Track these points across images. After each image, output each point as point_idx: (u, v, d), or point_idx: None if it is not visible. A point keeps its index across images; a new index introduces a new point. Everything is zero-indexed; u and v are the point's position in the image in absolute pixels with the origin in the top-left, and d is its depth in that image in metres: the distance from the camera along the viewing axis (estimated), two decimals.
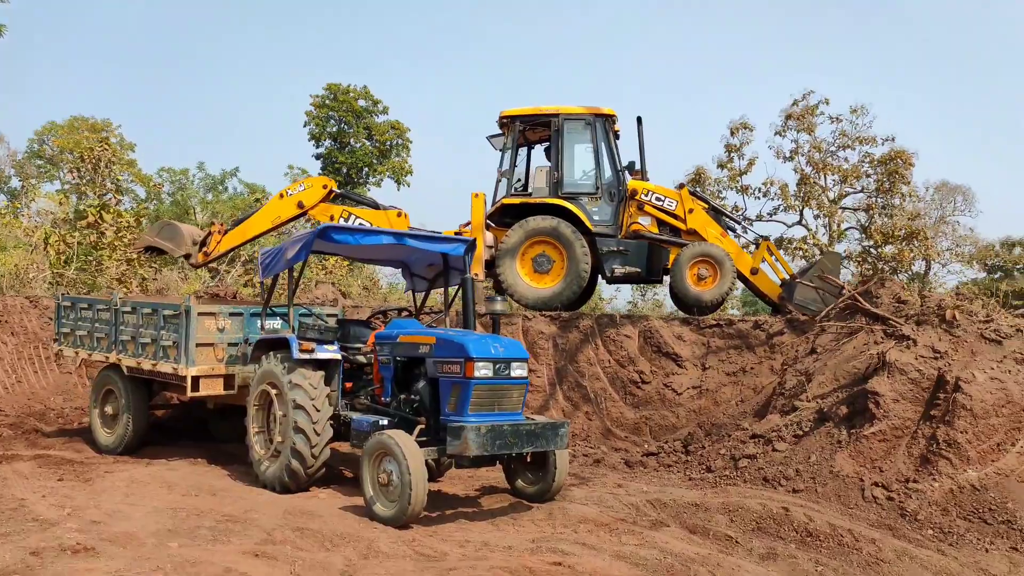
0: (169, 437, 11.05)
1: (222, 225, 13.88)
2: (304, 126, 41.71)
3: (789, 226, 25.52)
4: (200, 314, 9.11)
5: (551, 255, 12.61)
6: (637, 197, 12.79)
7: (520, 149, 13.75)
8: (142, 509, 7.44)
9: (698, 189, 25.17)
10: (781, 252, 15.79)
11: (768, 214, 25.59)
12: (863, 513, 7.01)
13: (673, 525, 6.96)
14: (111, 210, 23.35)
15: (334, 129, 42.52)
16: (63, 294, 11.48)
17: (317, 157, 42.71)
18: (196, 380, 9.08)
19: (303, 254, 8.01)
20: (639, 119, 13.15)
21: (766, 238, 13.17)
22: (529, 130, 13.53)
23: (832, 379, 8.64)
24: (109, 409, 10.19)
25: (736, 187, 25.86)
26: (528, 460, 7.69)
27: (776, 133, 25.87)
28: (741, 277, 12.63)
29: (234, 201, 38.95)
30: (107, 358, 10.09)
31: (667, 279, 13.37)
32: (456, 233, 13.45)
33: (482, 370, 6.92)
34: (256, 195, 37.77)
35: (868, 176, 25.48)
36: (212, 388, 9.24)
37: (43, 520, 6.94)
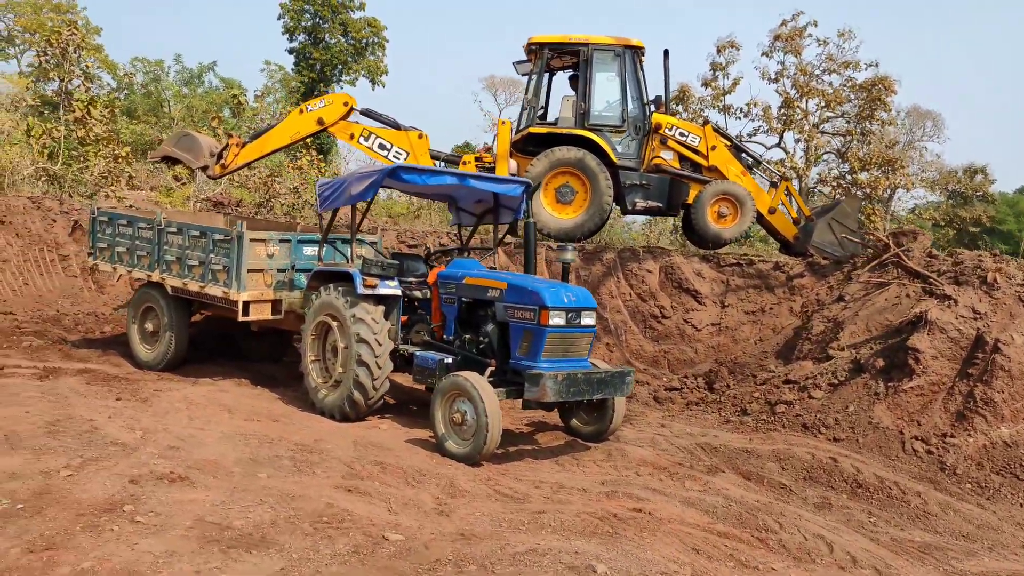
0: (199, 354, 11.19)
1: (240, 138, 13.74)
2: (278, 19, 40.55)
3: (768, 148, 25.78)
4: (251, 240, 9.18)
5: (575, 186, 12.74)
6: (661, 131, 12.91)
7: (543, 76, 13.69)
8: (212, 434, 7.67)
9: (680, 108, 25.22)
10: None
11: (748, 135, 25.80)
12: (904, 465, 7.55)
13: (728, 471, 7.43)
14: (97, 103, 22.70)
15: (309, 23, 41.38)
16: (98, 208, 11.36)
17: (291, 52, 41.64)
18: (247, 305, 9.22)
19: (370, 192, 8.08)
20: (666, 52, 13.15)
21: (786, 178, 13.45)
22: (555, 58, 13.46)
23: (864, 330, 9.10)
24: (149, 326, 10.29)
25: (719, 107, 25.91)
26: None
27: (763, 54, 25.79)
28: (758, 216, 12.93)
29: (210, 96, 37.95)
30: (149, 277, 10.12)
31: (682, 213, 13.65)
32: (476, 158, 13.51)
33: (556, 319, 7.19)
34: (233, 91, 36.78)
35: (849, 101, 25.68)
36: (261, 313, 9.38)
37: (122, 444, 7.13)
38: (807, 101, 25.72)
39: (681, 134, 12.92)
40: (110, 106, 23.80)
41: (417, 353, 8.16)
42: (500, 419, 7.03)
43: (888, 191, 29.64)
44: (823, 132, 26.61)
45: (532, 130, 12.96)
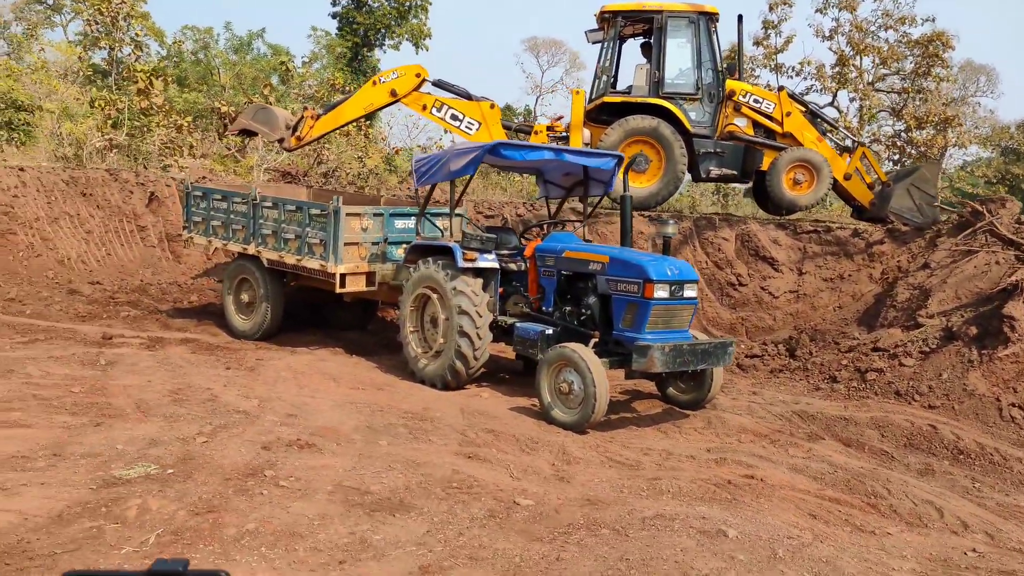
0: (287, 323, 11.50)
1: (314, 110, 13.97)
2: None
3: (821, 107, 25.43)
4: (347, 215, 9.44)
5: (649, 155, 12.81)
6: (735, 98, 12.92)
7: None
8: (323, 403, 8.02)
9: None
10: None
11: (800, 94, 25.47)
12: (1003, 432, 7.69)
13: (827, 438, 7.62)
14: (159, 72, 23.08)
15: None
16: (192, 183, 11.70)
17: (334, 16, 41.67)
18: (343, 277, 9.51)
19: (471, 168, 8.29)
20: (740, 17, 13.13)
21: (863, 144, 13.40)
22: (627, 25, 13.47)
23: (954, 297, 9.18)
24: (245, 297, 10.65)
25: (771, 65, 25.58)
26: None
27: (817, 10, 25.36)
28: (832, 182, 12.92)
29: (258, 63, 38.19)
30: (245, 249, 10.45)
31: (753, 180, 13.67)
32: (548, 128, 13.63)
33: (660, 291, 7.38)
34: (281, 58, 37.00)
35: (905, 58, 25.21)
36: (356, 285, 9.68)
37: (244, 412, 7.49)
38: (861, 58, 25.35)
39: (755, 101, 12.92)
40: (162, 75, 24.15)
41: (518, 324, 8.40)
42: (607, 389, 7.27)
43: (942, 150, 29.20)
44: (878, 90, 26.23)
45: (606, 99, 13.03)
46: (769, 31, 25.20)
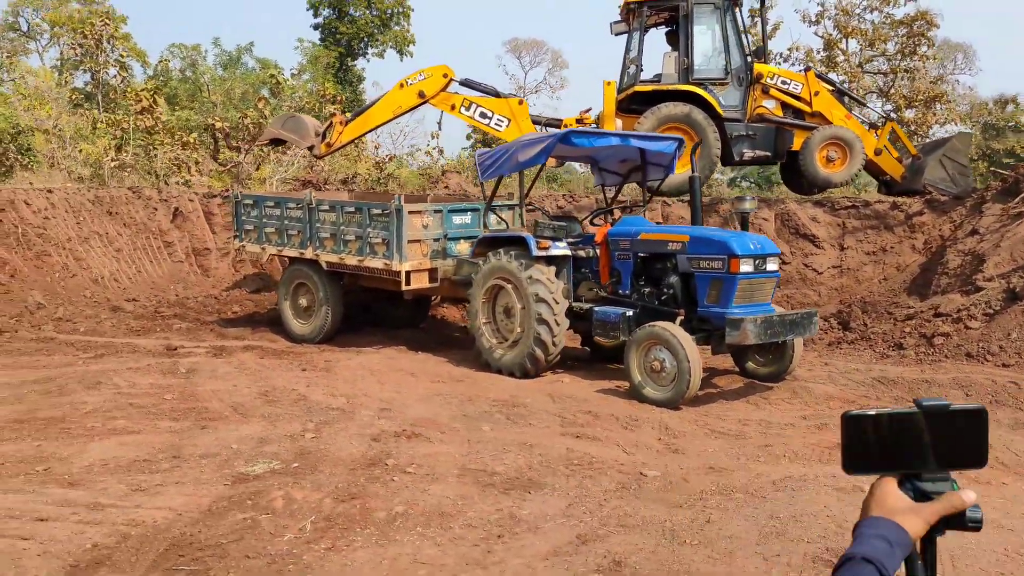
0: (342, 323, 11.54)
1: (343, 116, 14.03)
2: None
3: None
4: (410, 213, 9.53)
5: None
6: (763, 81, 13.10)
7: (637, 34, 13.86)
8: (410, 396, 8.09)
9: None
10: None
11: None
12: None
13: (913, 400, 7.77)
14: (163, 92, 23.02)
15: None
16: (240, 192, 11.73)
17: (316, 27, 41.65)
18: (408, 274, 9.59)
19: (542, 158, 8.39)
20: (762, 1, 13.31)
21: (891, 119, 13.62)
22: (652, 15, 13.63)
23: (1010, 260, 9.38)
24: (303, 301, 10.68)
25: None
26: None
27: None
28: (864, 158, 13.10)
29: (248, 78, 38.10)
30: (302, 254, 10.50)
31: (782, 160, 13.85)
32: (577, 121, 13.75)
33: (745, 266, 7.52)
34: (270, 71, 36.89)
35: (890, 39, 25.56)
36: (420, 281, 9.76)
37: (339, 409, 7.56)
38: (848, 41, 25.71)
39: (783, 82, 13.11)
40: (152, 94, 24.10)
41: (596, 309, 8.50)
42: (700, 364, 7.40)
43: (928, 127, 29.61)
44: (866, 72, 26.58)
45: (638, 88, 13.18)
46: (755, 18, 25.53)
